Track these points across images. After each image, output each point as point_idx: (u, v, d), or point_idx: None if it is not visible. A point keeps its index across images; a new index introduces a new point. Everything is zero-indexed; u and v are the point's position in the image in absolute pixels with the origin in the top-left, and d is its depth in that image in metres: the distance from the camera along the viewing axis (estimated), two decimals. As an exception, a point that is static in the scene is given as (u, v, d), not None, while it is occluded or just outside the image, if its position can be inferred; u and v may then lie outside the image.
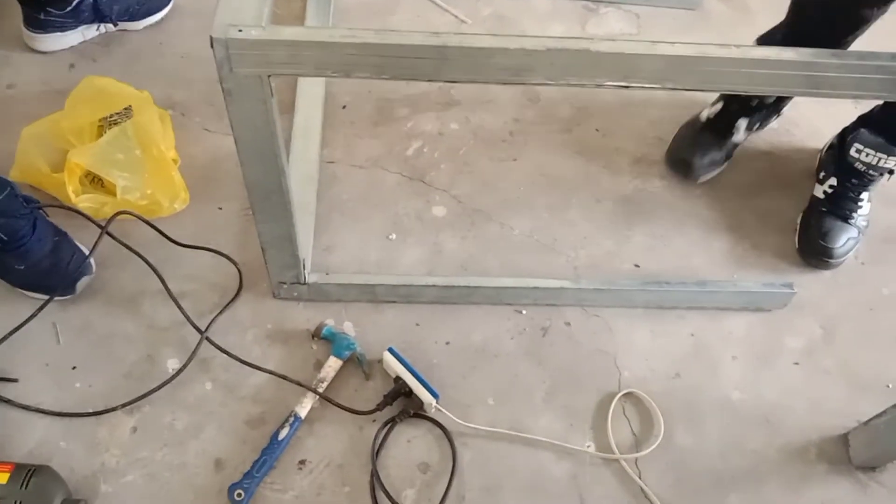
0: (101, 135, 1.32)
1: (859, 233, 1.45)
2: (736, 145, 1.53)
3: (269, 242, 1.16)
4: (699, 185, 1.53)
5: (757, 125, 1.54)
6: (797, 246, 1.45)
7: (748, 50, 0.84)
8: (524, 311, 1.34)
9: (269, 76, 0.86)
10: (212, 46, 0.81)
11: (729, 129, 1.50)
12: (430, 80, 0.87)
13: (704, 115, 1.52)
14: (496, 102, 1.60)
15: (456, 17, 1.70)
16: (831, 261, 1.42)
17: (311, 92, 1.53)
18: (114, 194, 1.31)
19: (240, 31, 0.80)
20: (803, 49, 0.84)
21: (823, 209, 1.44)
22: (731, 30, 1.77)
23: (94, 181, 1.36)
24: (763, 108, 1.51)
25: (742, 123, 1.49)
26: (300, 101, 1.51)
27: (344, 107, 1.55)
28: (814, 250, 1.42)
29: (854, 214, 1.44)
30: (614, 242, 1.44)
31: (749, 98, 1.46)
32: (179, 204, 1.37)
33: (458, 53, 0.83)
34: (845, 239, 1.42)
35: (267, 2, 0.84)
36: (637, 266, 1.41)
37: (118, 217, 1.25)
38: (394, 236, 1.41)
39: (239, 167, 1.00)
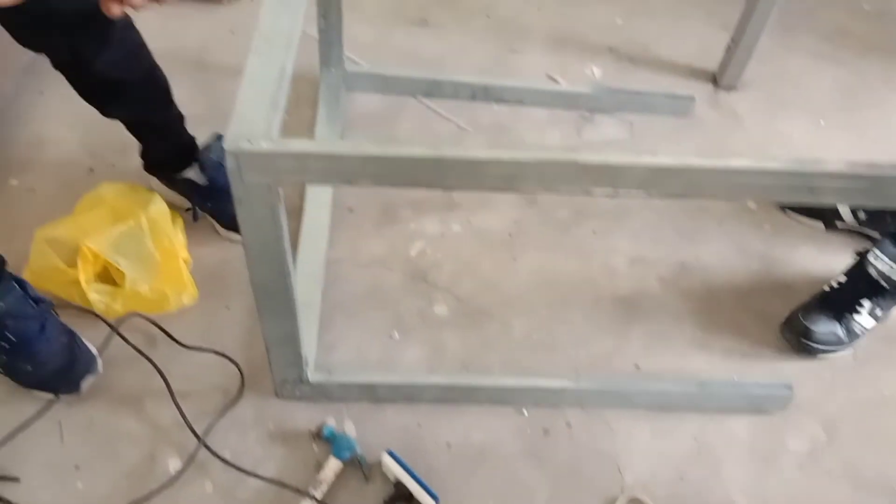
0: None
1: (847, 334, 1.43)
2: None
3: (274, 342, 1.19)
4: (698, 286, 1.56)
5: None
6: (780, 324, 1.46)
7: (728, 160, 0.89)
8: (525, 412, 1.34)
9: (277, 184, 0.91)
10: (224, 157, 0.86)
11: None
12: (428, 188, 0.92)
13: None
14: (496, 205, 1.66)
15: (458, 125, 1.78)
16: (808, 342, 1.42)
17: (319, 195, 1.59)
18: (123, 288, 1.35)
19: (250, 143, 0.85)
20: (783, 157, 0.89)
21: (819, 299, 1.46)
22: (721, 135, 1.84)
23: (107, 280, 1.40)
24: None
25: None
26: (309, 204, 1.56)
27: (350, 209, 1.61)
28: (792, 327, 1.44)
29: (847, 315, 1.44)
30: (614, 342, 1.46)
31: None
32: (187, 299, 1.41)
33: (455, 164, 0.88)
34: (827, 330, 1.42)
35: (277, 114, 0.90)
36: (637, 366, 1.42)
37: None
38: (396, 335, 1.43)
39: (247, 268, 1.04)
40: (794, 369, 1.44)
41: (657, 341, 1.47)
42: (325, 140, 1.63)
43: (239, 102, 0.89)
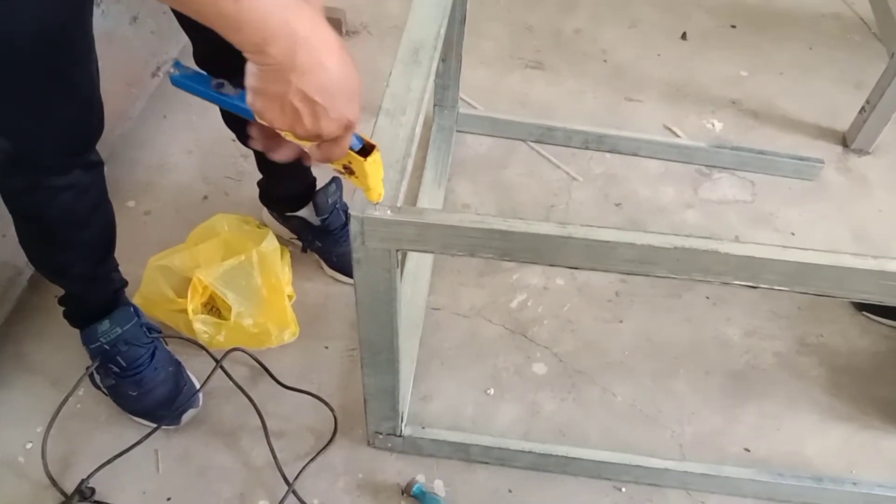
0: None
1: None
2: None
3: (372, 394, 1.17)
4: (817, 366, 1.45)
5: None
6: None
7: (885, 262, 0.82)
8: (623, 489, 1.28)
9: (397, 250, 0.89)
10: (349, 221, 0.85)
11: None
12: (552, 266, 0.88)
13: None
14: (604, 261, 1.60)
15: (568, 173, 1.74)
16: None
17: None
18: (228, 320, 1.36)
19: (375, 209, 0.84)
20: (947, 264, 0.81)
21: None
22: (849, 203, 1.73)
23: (212, 311, 1.42)
24: None
25: None
26: (412, 248, 1.55)
27: (453, 255, 1.58)
28: None
29: None
30: (723, 420, 1.37)
31: None
32: (288, 336, 1.41)
33: (583, 244, 0.84)
34: None
35: (404, 180, 0.88)
36: (747, 450, 1.33)
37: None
38: (491, 391, 1.39)
39: (349, 308, 1.03)
40: (922, 470, 1.33)
41: (770, 423, 1.37)
42: (448, 213, 1.61)
43: (367, 166, 0.87)
